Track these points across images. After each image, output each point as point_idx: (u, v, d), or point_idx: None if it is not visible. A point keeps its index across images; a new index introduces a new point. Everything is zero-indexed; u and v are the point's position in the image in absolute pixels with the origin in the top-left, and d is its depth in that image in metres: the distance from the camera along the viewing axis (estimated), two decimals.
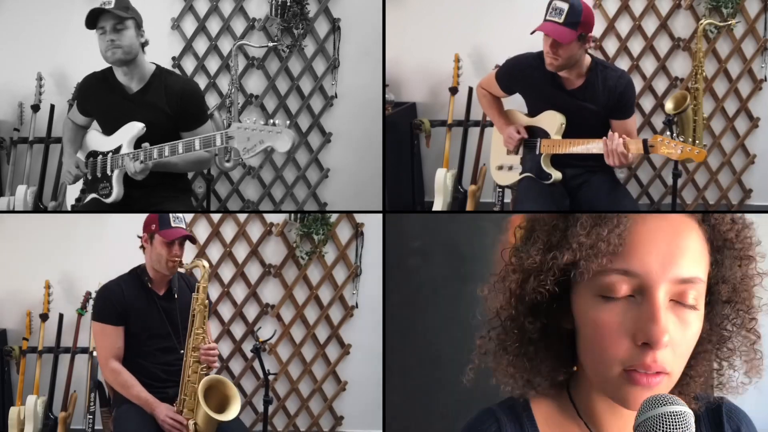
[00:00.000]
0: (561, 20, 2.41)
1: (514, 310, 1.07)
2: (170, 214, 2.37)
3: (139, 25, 2.47)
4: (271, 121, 2.23)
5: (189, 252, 3.17)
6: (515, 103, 2.82)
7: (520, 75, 2.66)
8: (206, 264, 2.31)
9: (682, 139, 2.33)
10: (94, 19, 2.40)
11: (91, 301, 3.05)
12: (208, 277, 2.31)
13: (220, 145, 2.29)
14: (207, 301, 2.30)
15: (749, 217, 1.05)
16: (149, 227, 2.38)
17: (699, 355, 1.05)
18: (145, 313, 2.38)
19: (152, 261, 2.39)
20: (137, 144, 2.45)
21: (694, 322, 0.98)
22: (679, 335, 0.96)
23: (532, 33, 2.45)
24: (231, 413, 2.20)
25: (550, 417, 1.11)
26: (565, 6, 2.41)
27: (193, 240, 2.43)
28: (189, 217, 3.18)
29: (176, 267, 2.36)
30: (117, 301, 2.37)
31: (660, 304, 0.95)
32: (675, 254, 0.97)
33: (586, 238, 0.98)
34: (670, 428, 0.86)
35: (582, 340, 1.03)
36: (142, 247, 2.43)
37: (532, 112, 2.72)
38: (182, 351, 2.32)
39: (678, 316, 0.97)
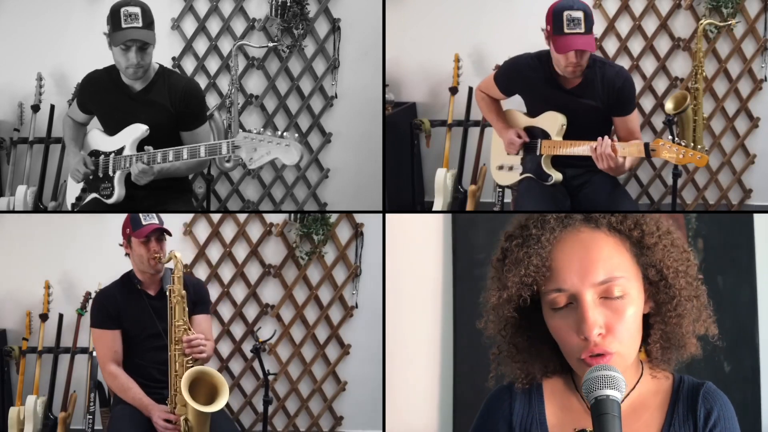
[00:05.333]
0: (582, 30, 2.38)
1: (506, 332, 1.38)
2: (140, 214, 2.38)
3: (155, 35, 2.45)
4: (279, 132, 2.22)
5: (189, 252, 3.18)
6: (514, 103, 2.82)
7: (519, 76, 2.66)
8: (178, 255, 2.30)
9: (684, 143, 2.32)
10: (118, 36, 2.38)
11: (91, 301, 3.05)
12: (181, 268, 2.29)
13: (225, 154, 2.29)
14: (184, 291, 2.28)
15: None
16: (125, 232, 2.41)
17: (652, 327, 1.32)
18: (138, 315, 2.39)
19: (136, 263, 2.41)
20: (140, 146, 2.45)
21: (627, 307, 1.25)
22: (615, 322, 1.24)
23: (561, 53, 2.40)
24: (219, 403, 2.17)
25: (556, 391, 1.41)
26: (581, 14, 2.38)
27: (169, 232, 2.42)
28: (188, 216, 3.18)
29: (158, 263, 2.36)
30: (110, 306, 2.39)
31: (588, 306, 1.24)
32: (588, 266, 1.26)
33: (515, 278, 1.29)
34: (600, 385, 1.13)
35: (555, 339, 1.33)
36: (127, 254, 2.45)
37: (532, 113, 2.71)
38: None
39: (610, 308, 1.25)
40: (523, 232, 1.31)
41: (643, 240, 1.28)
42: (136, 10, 2.38)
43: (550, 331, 1.31)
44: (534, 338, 1.37)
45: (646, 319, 1.32)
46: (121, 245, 2.45)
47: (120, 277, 2.47)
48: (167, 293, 2.31)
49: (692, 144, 2.35)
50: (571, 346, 1.27)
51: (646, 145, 2.36)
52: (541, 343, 1.36)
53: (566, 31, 2.39)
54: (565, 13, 2.39)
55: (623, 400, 1.23)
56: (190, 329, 2.27)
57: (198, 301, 2.42)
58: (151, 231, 2.34)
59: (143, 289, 2.42)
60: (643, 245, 1.28)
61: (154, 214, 2.41)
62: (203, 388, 2.22)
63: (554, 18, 2.40)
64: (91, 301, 2.37)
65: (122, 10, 2.38)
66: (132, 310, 2.39)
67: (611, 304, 1.25)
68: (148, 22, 2.40)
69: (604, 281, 1.25)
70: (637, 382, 1.34)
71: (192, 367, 2.24)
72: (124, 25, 2.37)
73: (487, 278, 1.40)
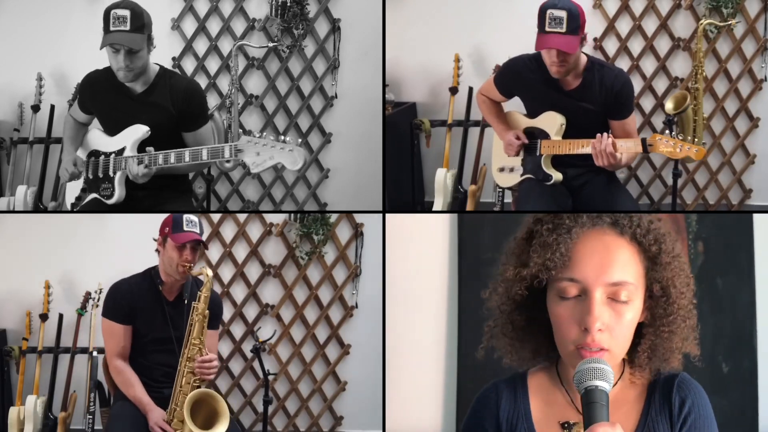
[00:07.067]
0: (564, 29, 2.37)
1: (507, 307, 1.44)
2: (184, 218, 2.32)
3: (150, 37, 2.44)
4: (282, 137, 2.21)
5: None
6: (514, 104, 2.82)
7: (517, 78, 2.65)
8: (210, 273, 2.28)
9: (681, 137, 2.32)
10: (105, 38, 2.37)
11: (91, 302, 3.06)
12: (210, 287, 2.27)
13: (228, 157, 2.28)
14: (207, 311, 2.27)
15: (664, 226, 1.40)
16: (163, 230, 2.35)
17: (643, 336, 1.39)
18: (152, 317, 2.36)
19: (164, 264, 2.36)
20: (141, 147, 2.44)
21: (627, 312, 1.33)
22: (614, 323, 1.32)
23: (538, 50, 2.41)
24: (218, 430, 2.16)
25: (541, 385, 1.47)
26: (564, 14, 2.36)
27: (206, 245, 2.40)
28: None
29: (187, 272, 2.32)
30: (126, 301, 2.35)
31: (596, 301, 1.31)
32: (605, 265, 1.33)
33: (539, 259, 1.36)
34: (591, 377, 1.22)
35: (552, 327, 1.39)
36: (158, 250, 2.40)
37: (531, 114, 2.71)
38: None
39: (613, 309, 1.32)
40: (555, 220, 1.39)
41: (660, 257, 1.36)
42: (125, 13, 2.35)
43: (551, 317, 1.37)
44: (532, 320, 1.44)
45: (639, 328, 1.39)
46: (155, 240, 2.40)
47: (143, 271, 2.42)
48: (190, 309, 2.29)
49: (690, 138, 2.35)
50: (569, 336, 1.34)
51: (643, 140, 2.37)
52: (538, 326, 1.44)
53: (547, 29, 2.39)
54: (549, 11, 2.38)
55: None
56: (204, 348, 2.26)
57: (212, 316, 2.39)
58: (189, 241, 2.31)
59: (162, 291, 2.38)
60: (658, 261, 1.36)
61: (196, 219, 2.36)
62: (204, 409, 2.21)
63: (539, 15, 2.42)
64: (94, 293, 2.33)
65: (112, 12, 2.36)
66: (146, 310, 2.36)
67: (616, 306, 1.32)
68: (138, 26, 2.37)
69: (615, 283, 1.32)
70: (618, 379, 1.42)
71: (197, 385, 2.24)
72: (111, 28, 2.36)
73: (504, 252, 1.48)
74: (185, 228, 2.32)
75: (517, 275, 1.40)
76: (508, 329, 1.46)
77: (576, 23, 2.38)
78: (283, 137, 2.22)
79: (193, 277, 2.40)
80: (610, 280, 1.32)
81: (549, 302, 1.38)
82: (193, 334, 2.25)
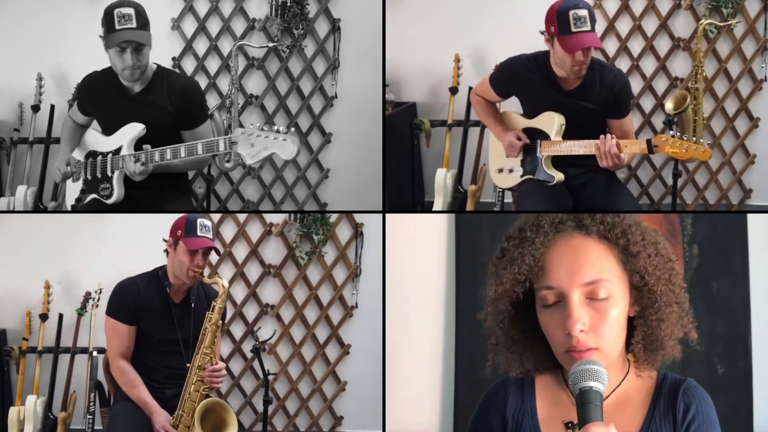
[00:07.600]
0: (589, 27, 2.38)
1: (502, 324, 1.48)
2: (198, 222, 2.31)
3: (150, 36, 2.45)
4: (276, 127, 2.19)
5: None
6: (511, 105, 2.81)
7: (516, 77, 2.65)
8: (226, 284, 2.26)
9: (686, 137, 2.32)
10: (113, 37, 2.37)
11: (91, 302, 3.06)
12: (226, 298, 2.26)
13: (223, 150, 2.28)
14: (220, 321, 2.26)
15: (630, 218, 1.42)
16: (175, 232, 2.33)
17: (635, 328, 1.40)
18: (158, 318, 2.35)
19: (174, 267, 2.34)
20: (137, 145, 2.44)
21: (611, 309, 1.35)
22: (598, 322, 1.34)
23: (572, 52, 2.39)
24: None
25: (547, 386, 1.50)
26: (585, 12, 2.37)
27: (218, 252, 2.39)
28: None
29: (197, 277, 2.30)
30: (132, 301, 2.33)
31: (574, 304, 1.34)
32: (577, 267, 1.36)
33: (510, 274, 1.40)
34: (585, 378, 1.24)
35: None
36: (166, 251, 2.39)
37: (530, 114, 2.70)
38: (188, 364, 2.28)
39: (594, 308, 1.34)
40: (520, 234, 1.42)
41: (629, 248, 1.38)
42: (130, 11, 2.36)
43: (541, 326, 1.41)
44: (528, 332, 1.47)
45: (632, 321, 1.41)
46: (165, 240, 2.38)
47: (149, 271, 2.41)
48: (196, 312, 2.29)
49: (694, 139, 2.35)
50: (557, 341, 1.37)
51: (648, 142, 2.36)
52: (534, 337, 1.46)
53: (574, 30, 2.37)
54: (571, 12, 2.37)
55: (609, 395, 1.39)
56: (215, 357, 2.26)
57: None
58: (201, 247, 2.29)
59: (170, 293, 2.37)
60: (629, 253, 1.38)
61: (209, 224, 2.35)
62: (212, 419, 2.22)
63: (559, 18, 2.39)
64: (111, 290, 2.31)
65: (116, 11, 2.36)
66: (152, 312, 2.34)
67: (596, 304, 1.35)
68: (143, 23, 2.39)
69: (590, 282, 1.35)
70: (623, 379, 1.43)
71: (207, 395, 2.23)
72: (117, 27, 2.36)
73: (488, 274, 1.50)
74: (199, 233, 2.30)
75: (496, 293, 1.44)
76: (509, 344, 1.49)
77: (594, 19, 2.41)
78: (276, 127, 2.20)
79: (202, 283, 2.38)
80: (584, 281, 1.35)
81: (537, 312, 1.42)
82: (205, 344, 2.25)
